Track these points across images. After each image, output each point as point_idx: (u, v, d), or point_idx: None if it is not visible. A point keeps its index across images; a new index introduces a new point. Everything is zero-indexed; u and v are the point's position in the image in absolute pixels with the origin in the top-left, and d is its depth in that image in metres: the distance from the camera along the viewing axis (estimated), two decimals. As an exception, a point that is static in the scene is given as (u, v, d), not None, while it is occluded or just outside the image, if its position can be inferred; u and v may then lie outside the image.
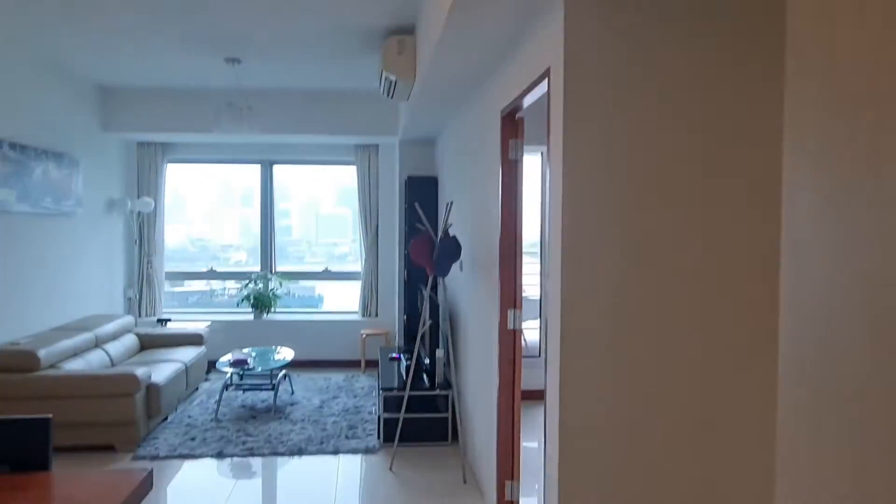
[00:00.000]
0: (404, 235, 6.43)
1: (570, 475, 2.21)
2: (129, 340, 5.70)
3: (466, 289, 4.33)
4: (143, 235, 6.99)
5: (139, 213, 6.87)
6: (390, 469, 4.11)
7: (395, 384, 4.75)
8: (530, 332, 6.10)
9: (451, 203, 4.13)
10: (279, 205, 7.49)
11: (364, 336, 6.77)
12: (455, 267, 4.76)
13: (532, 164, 5.73)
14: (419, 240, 4.11)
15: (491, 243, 3.54)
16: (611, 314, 2.19)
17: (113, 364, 5.19)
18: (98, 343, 5.21)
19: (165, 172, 7.03)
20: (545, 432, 2.38)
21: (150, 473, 2.05)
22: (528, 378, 5.80)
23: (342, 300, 7.57)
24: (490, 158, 3.55)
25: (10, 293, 4.69)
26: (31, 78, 4.97)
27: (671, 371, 2.21)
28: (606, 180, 2.18)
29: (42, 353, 4.36)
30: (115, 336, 5.53)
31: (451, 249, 4.01)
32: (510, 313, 3.31)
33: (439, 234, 4.09)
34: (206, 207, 7.67)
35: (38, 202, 4.99)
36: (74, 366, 4.63)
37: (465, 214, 4.34)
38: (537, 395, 5.91)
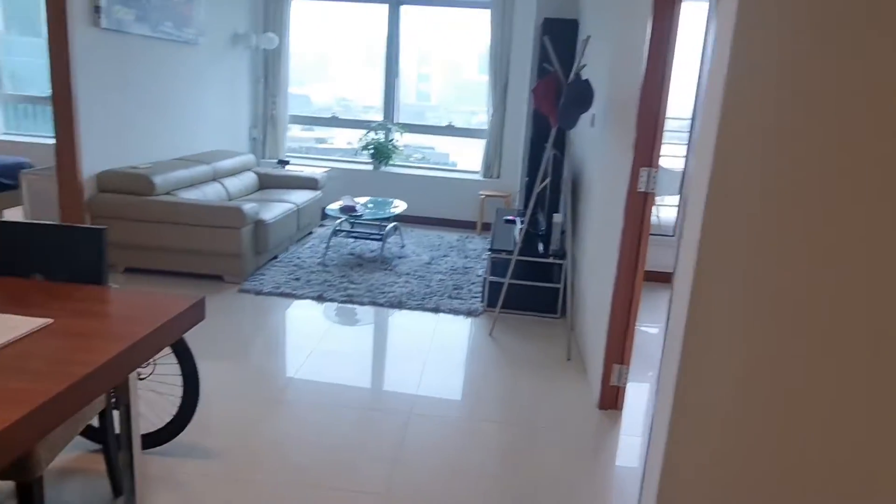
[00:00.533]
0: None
1: (691, 373, 1.73)
2: (249, 178, 5.70)
3: (596, 148, 3.72)
4: (268, 74, 6.84)
5: (264, 49, 6.67)
6: (490, 334, 3.83)
7: (507, 247, 4.36)
8: (664, 208, 5.40)
9: (588, 38, 3.43)
10: (420, 69, 6.99)
11: (483, 197, 6.38)
12: (584, 123, 4.12)
13: (692, 16, 4.74)
14: (545, 81, 3.49)
15: (630, 93, 2.88)
16: (771, 202, 1.57)
17: (230, 198, 5.21)
18: (216, 177, 5.22)
19: (291, 8, 6.69)
20: (669, 320, 1.88)
21: (202, 301, 1.82)
22: (654, 258, 5.23)
23: (469, 160, 7.14)
24: (643, -25, 2.79)
25: (133, 117, 4.70)
26: None
27: (831, 278, 1.58)
28: (792, 39, 1.47)
29: (158, 179, 4.38)
30: (233, 172, 5.53)
31: (582, 95, 3.37)
32: (643, 173, 2.72)
33: (570, 77, 3.45)
34: (349, 62, 7.30)
35: (158, 25, 4.85)
36: (191, 195, 4.65)
37: (604, 59, 3.63)
38: (661, 278, 5.37)
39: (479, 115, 7.05)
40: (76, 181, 4.19)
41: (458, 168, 7.16)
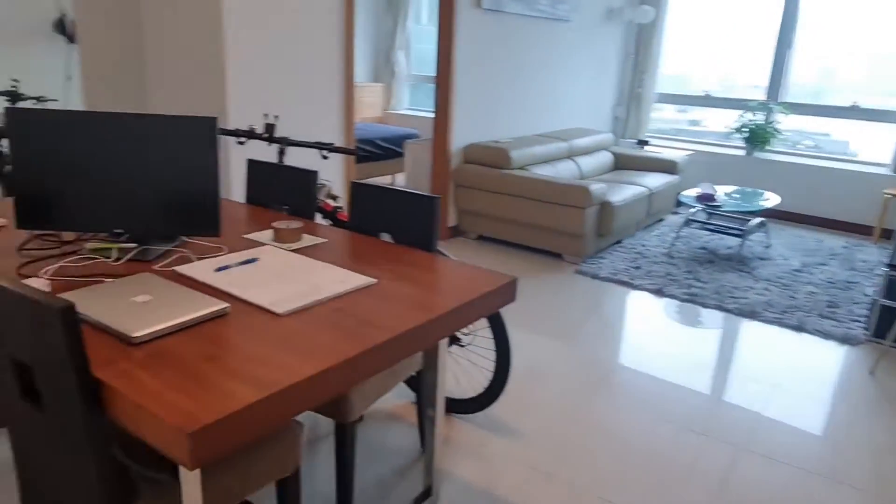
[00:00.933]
0: None
1: None
2: (604, 157, 5.55)
3: None
4: (639, 50, 6.54)
5: (637, 24, 6.37)
6: (871, 373, 2.99)
7: (914, 265, 3.34)
8: None
9: None
10: (823, 40, 5.89)
11: (888, 197, 5.09)
12: None
13: None
14: None
15: None
16: None
17: (581, 177, 5.14)
18: (571, 154, 5.20)
19: (672, -23, 6.24)
20: None
21: (514, 283, 1.72)
22: None
23: (870, 151, 5.79)
24: None
25: (501, 93, 4.94)
26: None
27: None
28: None
29: (515, 153, 4.53)
30: (589, 150, 5.44)
31: None
32: None
33: None
34: (730, 36, 6.57)
35: (534, 3, 4.97)
36: (543, 171, 4.72)
37: None
38: None
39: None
40: (446, 152, 4.59)
41: (857, 159, 5.85)
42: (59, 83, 6.12)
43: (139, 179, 1.71)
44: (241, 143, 2.68)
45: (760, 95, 6.10)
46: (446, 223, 4.76)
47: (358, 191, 2.14)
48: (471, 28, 4.48)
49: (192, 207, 1.74)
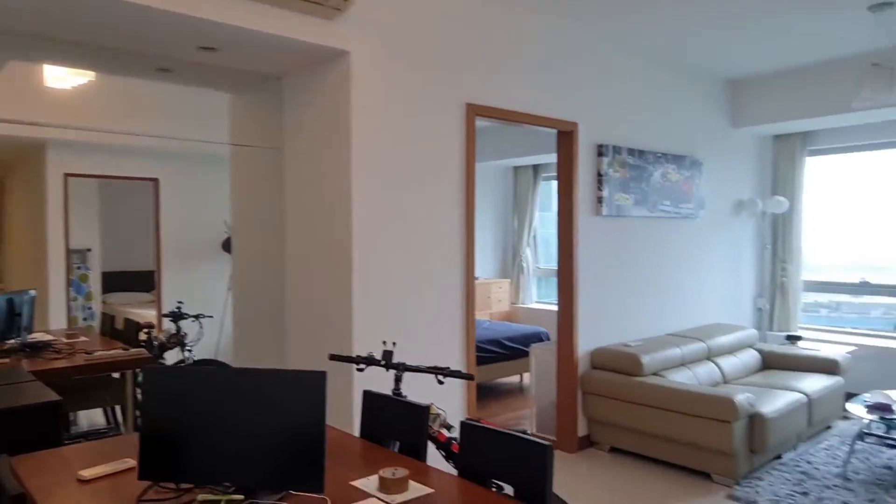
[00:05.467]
0: None
1: None
2: (749, 357, 5.09)
3: None
4: (777, 239, 6.23)
5: (771, 214, 6.15)
6: None
7: None
8: None
9: None
10: None
11: None
12: None
13: None
14: None
15: None
16: None
17: (725, 380, 4.71)
18: (710, 355, 4.82)
19: (804, 166, 6.07)
20: None
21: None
22: None
23: None
24: None
25: (628, 292, 4.81)
26: (651, 80, 4.99)
27: None
28: None
29: (646, 358, 4.27)
30: (731, 349, 5.03)
31: None
32: None
33: None
34: (873, 219, 6.20)
35: (656, 206, 4.97)
36: (680, 377, 4.37)
37: None
38: None
39: None
40: (572, 357, 4.43)
41: None
42: (221, 295, 6.84)
43: (250, 432, 1.74)
44: (360, 369, 2.72)
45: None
46: (576, 433, 4.45)
47: (468, 432, 2.04)
48: (591, 231, 4.52)
49: (298, 461, 1.72)
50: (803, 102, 5.38)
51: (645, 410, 4.12)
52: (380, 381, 3.32)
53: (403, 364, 2.63)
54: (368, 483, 1.92)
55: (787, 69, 5.39)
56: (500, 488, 2.24)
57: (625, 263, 4.79)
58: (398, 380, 2.66)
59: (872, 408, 3.92)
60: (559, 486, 3.81)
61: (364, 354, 3.12)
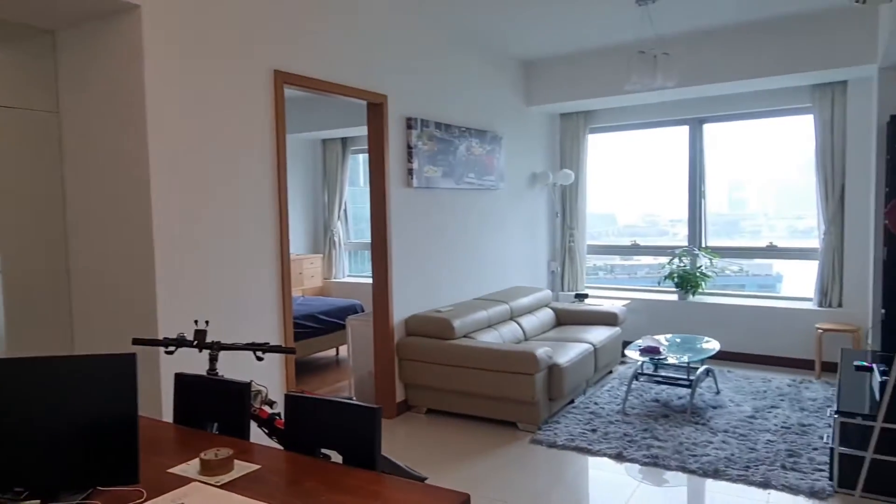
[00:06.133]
0: (883, 200, 4.68)
1: None
2: (545, 315, 5.61)
3: None
4: (566, 208, 6.89)
5: (560, 185, 6.78)
6: (847, 532, 2.88)
7: (862, 407, 3.37)
8: None
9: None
10: (732, 175, 6.46)
11: (820, 332, 5.26)
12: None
13: None
14: (904, 200, 2.70)
15: None
16: None
17: (526, 337, 5.14)
18: (513, 315, 5.22)
19: (587, 143, 6.76)
20: None
21: (467, 502, 1.59)
22: None
23: (798, 284, 6.09)
24: None
25: (439, 262, 5.02)
26: (455, 57, 5.20)
27: None
28: None
29: (457, 322, 4.51)
30: (530, 309, 5.50)
31: (967, 214, 2.50)
32: None
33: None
34: (651, 179, 7.09)
35: (462, 178, 5.22)
36: (487, 337, 4.69)
37: None
38: None
39: (807, 219, 6.02)
40: (388, 325, 4.53)
41: (785, 295, 6.12)
42: None
43: (46, 427, 1.55)
44: (169, 352, 2.54)
45: (682, 230, 6.43)
46: (394, 399, 4.59)
47: (293, 404, 2.01)
48: (404, 203, 4.63)
49: (107, 454, 1.58)
50: (585, 85, 5.96)
51: (457, 371, 4.36)
52: (192, 363, 3.13)
53: (218, 343, 2.51)
54: (188, 468, 1.82)
55: (571, 54, 5.94)
56: (327, 457, 2.25)
57: (435, 233, 4.99)
58: (213, 359, 2.52)
59: (644, 351, 4.56)
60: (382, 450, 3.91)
61: (173, 336, 2.91)
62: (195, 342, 2.51)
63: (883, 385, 3.63)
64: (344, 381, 5.57)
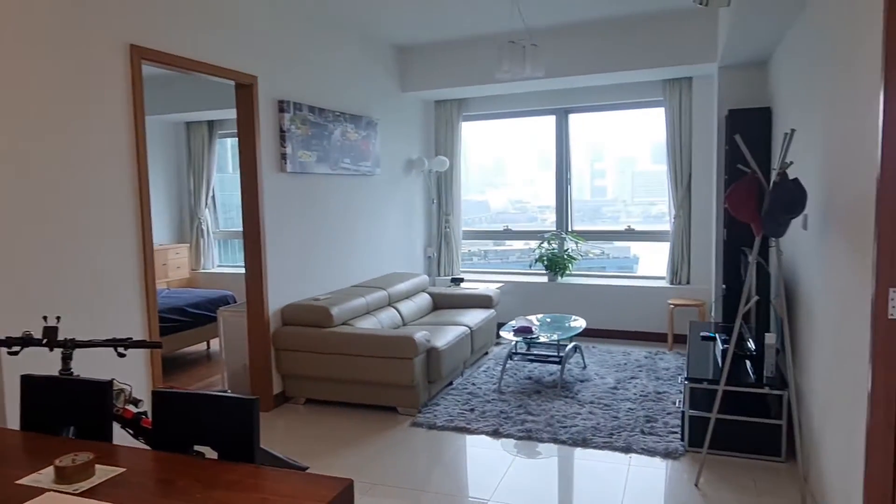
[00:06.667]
0: (723, 185, 5.19)
1: None
2: (423, 300, 5.68)
3: (812, 254, 3.09)
4: (441, 194, 7.00)
5: (436, 172, 6.86)
6: (696, 485, 3.18)
7: (707, 374, 3.73)
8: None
9: (792, 132, 2.93)
10: (594, 165, 6.85)
11: (672, 307, 5.75)
12: (795, 224, 3.50)
13: None
14: (741, 185, 3.01)
15: (861, 189, 2.32)
16: None
17: (404, 323, 5.18)
18: (391, 301, 5.24)
19: (461, 130, 6.89)
20: None
21: (350, 487, 1.59)
22: None
23: (653, 264, 6.60)
24: (859, 55, 2.31)
25: (316, 249, 4.92)
26: (329, 40, 5.09)
27: None
28: None
29: (335, 310, 4.46)
30: (408, 295, 5.54)
31: (791, 198, 2.83)
32: (894, 294, 2.10)
33: (773, 177, 2.94)
34: (521, 167, 7.36)
35: (337, 163, 5.14)
36: (366, 324, 4.67)
37: (816, 149, 3.07)
38: None
39: (659, 205, 6.56)
40: (263, 315, 4.39)
41: (641, 275, 6.62)
42: None
43: None
44: (13, 353, 2.30)
45: (550, 216, 6.76)
46: (271, 391, 4.46)
47: (162, 401, 1.90)
48: (277, 189, 4.48)
49: (-60, 468, 1.41)
50: (458, 72, 6.06)
51: (337, 359, 4.32)
52: (43, 364, 2.85)
53: (72, 340, 2.31)
54: (41, 478, 1.66)
55: (445, 41, 6.01)
56: (201, 454, 2.15)
57: (311, 220, 4.88)
58: (66, 358, 2.32)
59: (518, 331, 4.75)
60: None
61: (18, 335, 2.64)
62: (44, 340, 2.29)
63: (724, 353, 4.05)
64: (217, 376, 5.33)
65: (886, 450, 2.19)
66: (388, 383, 4.24)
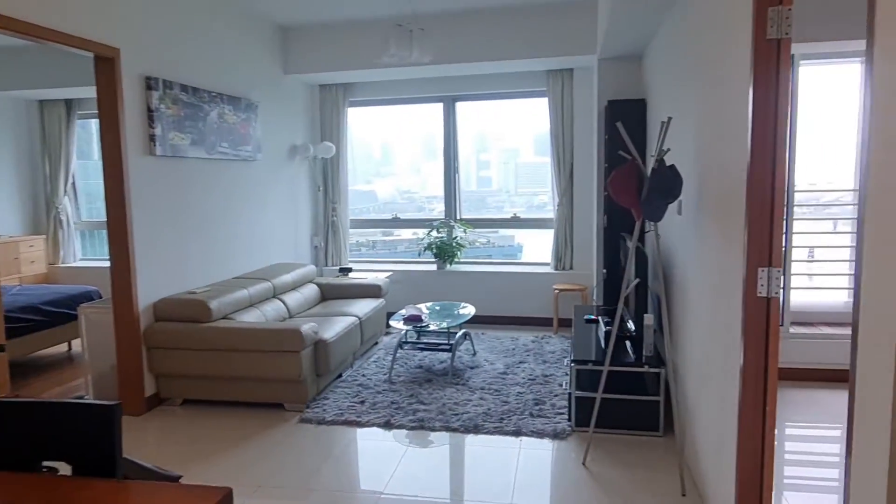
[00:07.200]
0: (603, 174, 5.39)
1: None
2: (310, 291, 5.47)
3: (687, 238, 3.25)
4: (328, 182, 6.79)
5: (322, 158, 6.64)
6: (584, 464, 3.27)
7: (592, 356, 3.86)
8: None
9: (669, 120, 3.05)
10: (480, 156, 6.88)
11: (557, 292, 5.92)
12: (671, 210, 3.68)
13: (816, 75, 4.39)
14: (623, 171, 3.10)
15: (732, 176, 2.45)
16: None
17: (290, 315, 4.96)
18: (276, 293, 5.00)
19: (347, 116, 6.70)
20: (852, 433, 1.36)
21: (229, 496, 1.44)
22: (786, 352, 4.51)
23: (542, 252, 6.77)
24: (731, 50, 2.43)
25: (192, 239, 4.59)
26: (204, 13, 4.73)
27: None
28: None
29: (214, 303, 4.18)
30: (294, 286, 5.32)
31: (668, 184, 2.96)
32: (762, 274, 2.24)
33: (651, 164, 3.06)
34: (409, 156, 7.27)
35: (214, 147, 4.82)
36: (249, 317, 4.42)
37: (688, 139, 3.23)
38: (800, 376, 4.57)
39: (541, 195, 6.75)
40: (132, 312, 4.03)
41: (527, 261, 6.77)
42: None
43: None
44: None
45: (442, 205, 6.76)
46: (143, 393, 4.11)
47: (5, 413, 1.65)
48: (145, 174, 4.12)
49: None
50: (343, 55, 5.88)
51: (217, 355, 4.05)
52: None
53: None
54: None
55: (330, 22, 5.79)
56: (53, 470, 1.90)
57: (186, 208, 4.54)
58: None
59: (407, 320, 4.69)
60: (126, 452, 3.48)
61: None
62: None
63: (607, 334, 4.20)
64: (80, 379, 4.85)
65: (756, 419, 2.33)
66: (273, 379, 4.04)
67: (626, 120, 4.82)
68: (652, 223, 3.11)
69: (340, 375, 4.70)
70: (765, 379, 2.31)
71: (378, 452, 3.47)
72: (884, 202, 1.34)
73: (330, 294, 5.67)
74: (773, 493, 2.67)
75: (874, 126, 1.37)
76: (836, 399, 4.08)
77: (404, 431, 3.74)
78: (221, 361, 4.05)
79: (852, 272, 4.77)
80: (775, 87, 2.16)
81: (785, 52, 2.15)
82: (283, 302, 4.98)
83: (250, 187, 5.43)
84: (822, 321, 4.66)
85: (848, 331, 4.53)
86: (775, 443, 3.12)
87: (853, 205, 4.65)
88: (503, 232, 7.01)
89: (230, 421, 3.95)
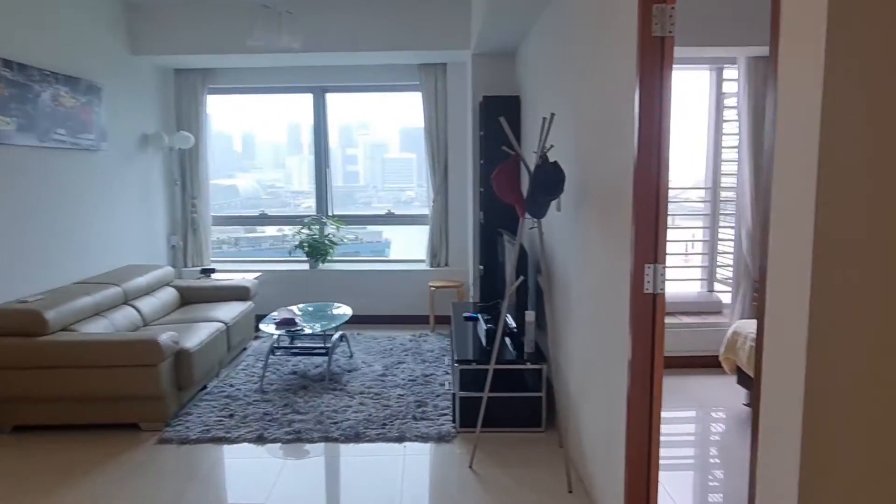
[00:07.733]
0: (479, 170, 5.38)
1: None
2: (167, 294, 4.97)
3: (568, 235, 3.28)
4: (186, 175, 6.23)
5: (178, 149, 6.08)
6: (470, 467, 3.20)
7: (473, 354, 3.80)
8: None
9: (552, 116, 3.05)
10: (346, 150, 6.63)
11: (433, 289, 5.85)
12: (551, 207, 3.70)
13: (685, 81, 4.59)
14: (507, 168, 3.06)
15: (615, 175, 2.47)
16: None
17: (145, 323, 4.47)
18: (127, 298, 4.48)
19: (206, 104, 6.18)
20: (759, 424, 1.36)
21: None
22: (669, 342, 4.67)
23: (410, 248, 6.66)
24: (615, 44, 2.44)
25: (24, 240, 3.97)
26: (30, -18, 4.11)
27: None
28: None
29: (50, 314, 3.63)
30: (149, 290, 4.80)
31: (552, 180, 2.95)
32: (649, 270, 2.26)
33: (533, 160, 3.04)
34: (273, 149, 6.86)
35: (48, 134, 4.21)
36: (95, 327, 3.91)
37: (569, 135, 3.25)
38: (682, 364, 4.79)
39: (408, 191, 6.69)
40: (-55, 327, 3.40)
41: (401, 258, 6.65)
42: None
43: None
44: None
45: (309, 201, 6.46)
46: (-40, 422, 3.49)
47: None
48: (-41, 167, 3.49)
49: None
50: (202, 37, 5.40)
51: (57, 373, 3.53)
52: None
53: None
54: None
55: (188, 1, 5.29)
56: None
57: (14, 203, 3.92)
58: None
59: (280, 323, 4.39)
60: (-60, 495, 2.92)
61: None
62: None
63: (489, 332, 4.18)
64: None
65: (643, 408, 2.36)
66: (126, 396, 3.59)
67: (500, 116, 4.82)
68: (535, 220, 3.10)
69: (205, 387, 4.30)
70: (651, 370, 2.34)
71: (251, 470, 3.18)
72: (786, 200, 1.35)
73: (191, 298, 5.19)
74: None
75: (778, 130, 1.38)
76: (694, 384, 4.35)
77: (279, 445, 3.46)
78: (62, 380, 3.53)
79: (705, 265, 5.13)
80: (660, 85, 2.19)
81: (669, 50, 2.18)
82: (137, 308, 4.47)
83: (95, 180, 4.83)
84: (681, 311, 4.96)
85: (703, 319, 4.86)
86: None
87: (706, 201, 5.01)
88: (371, 228, 6.84)
89: (74, 448, 3.45)
